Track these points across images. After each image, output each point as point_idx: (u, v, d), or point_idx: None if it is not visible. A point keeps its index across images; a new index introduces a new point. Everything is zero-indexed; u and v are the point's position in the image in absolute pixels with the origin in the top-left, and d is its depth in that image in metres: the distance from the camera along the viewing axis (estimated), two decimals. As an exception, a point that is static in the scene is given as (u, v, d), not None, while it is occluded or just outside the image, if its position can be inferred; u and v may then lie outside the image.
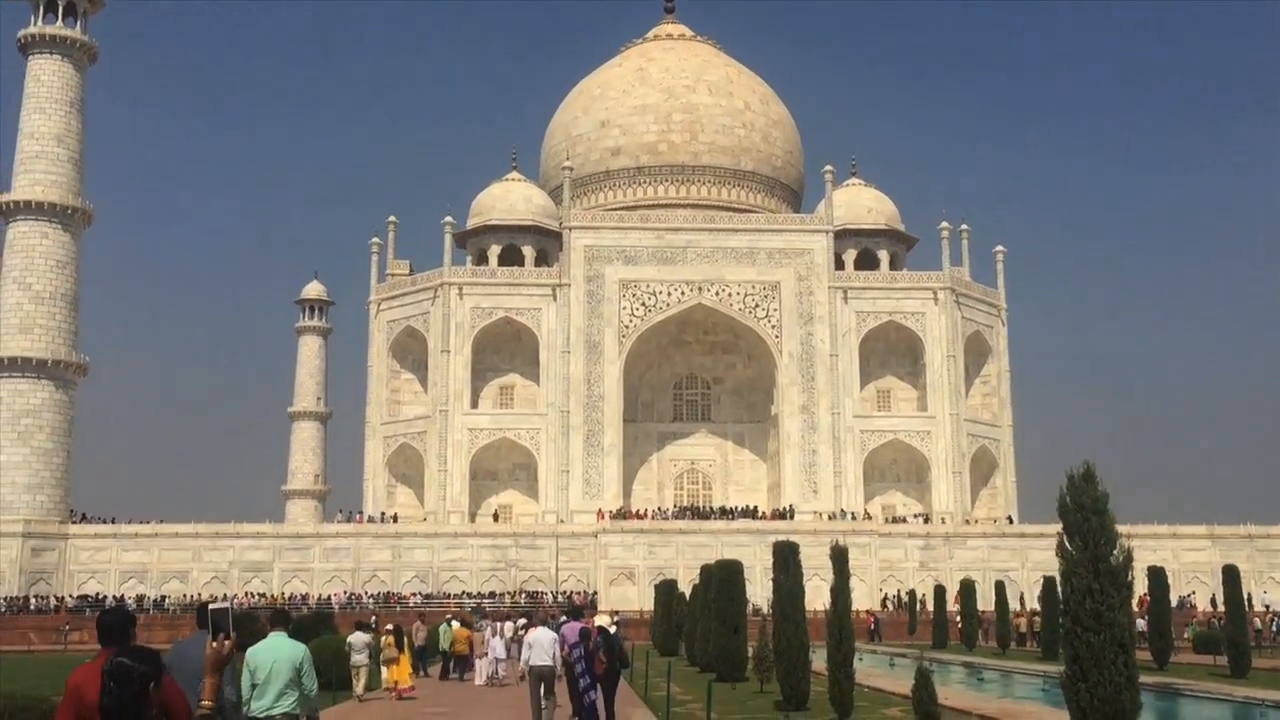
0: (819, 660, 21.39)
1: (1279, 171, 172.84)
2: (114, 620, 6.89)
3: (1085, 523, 9.47)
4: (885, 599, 68.40)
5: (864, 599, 61.70)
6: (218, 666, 6.48)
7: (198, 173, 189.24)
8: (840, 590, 16.57)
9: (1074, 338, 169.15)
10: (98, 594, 65.96)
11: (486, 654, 27.45)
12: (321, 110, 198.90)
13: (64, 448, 69.33)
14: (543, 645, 18.14)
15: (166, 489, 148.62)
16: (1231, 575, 30.91)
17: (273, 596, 65.84)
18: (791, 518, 73.82)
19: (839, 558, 16.81)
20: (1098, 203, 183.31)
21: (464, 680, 30.39)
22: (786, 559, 20.37)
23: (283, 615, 10.88)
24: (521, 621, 30.49)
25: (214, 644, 6.49)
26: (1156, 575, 34.31)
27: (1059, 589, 9.68)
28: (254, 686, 9.81)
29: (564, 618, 20.78)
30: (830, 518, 74.61)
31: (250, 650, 9.96)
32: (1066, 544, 9.66)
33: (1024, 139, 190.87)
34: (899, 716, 19.72)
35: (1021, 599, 63.09)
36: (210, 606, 6.84)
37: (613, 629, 18.43)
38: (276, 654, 9.90)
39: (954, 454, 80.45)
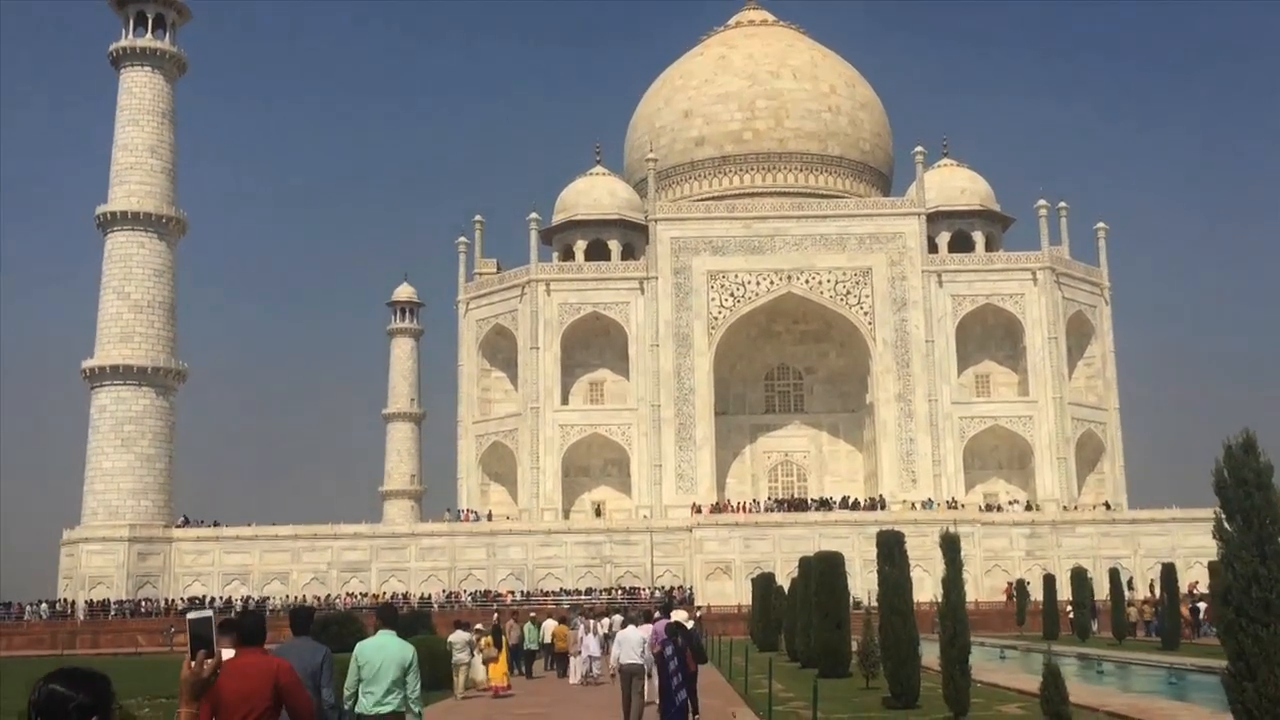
0: (926, 654, 20.32)
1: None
2: (254, 623, 7.70)
3: (1247, 499, 8.32)
4: (1011, 588, 65.46)
5: (970, 590, 59.72)
6: (195, 692, 4.92)
7: (286, 177, 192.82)
8: (953, 580, 15.46)
9: (1182, 315, 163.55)
10: (204, 596, 67.11)
11: (580, 652, 26.80)
12: (405, 110, 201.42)
13: (166, 453, 70.72)
14: (631, 643, 17.74)
15: (267, 492, 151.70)
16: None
17: (373, 596, 66.31)
18: (883, 508, 72.17)
19: (950, 546, 15.70)
20: (1203, 174, 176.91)
21: (561, 678, 29.94)
22: (891, 549, 19.27)
23: (390, 611, 10.75)
24: (618, 618, 29.79)
25: (191, 663, 4.93)
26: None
27: (1223, 574, 8.54)
28: (360, 682, 9.80)
29: (657, 614, 20.17)
30: (920, 506, 72.49)
31: (359, 646, 10.01)
32: (1225, 524, 8.51)
33: (1122, 111, 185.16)
34: (1019, 714, 18.50)
35: (1150, 586, 60.72)
36: (189, 615, 5.22)
37: (689, 624, 17.87)
38: (385, 652, 9.83)
39: (1058, 439, 77.89)
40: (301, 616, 9.69)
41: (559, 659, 31.25)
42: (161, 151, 72.91)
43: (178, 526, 70.76)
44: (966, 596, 51.25)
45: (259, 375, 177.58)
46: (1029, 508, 74.69)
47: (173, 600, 66.57)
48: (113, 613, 65.05)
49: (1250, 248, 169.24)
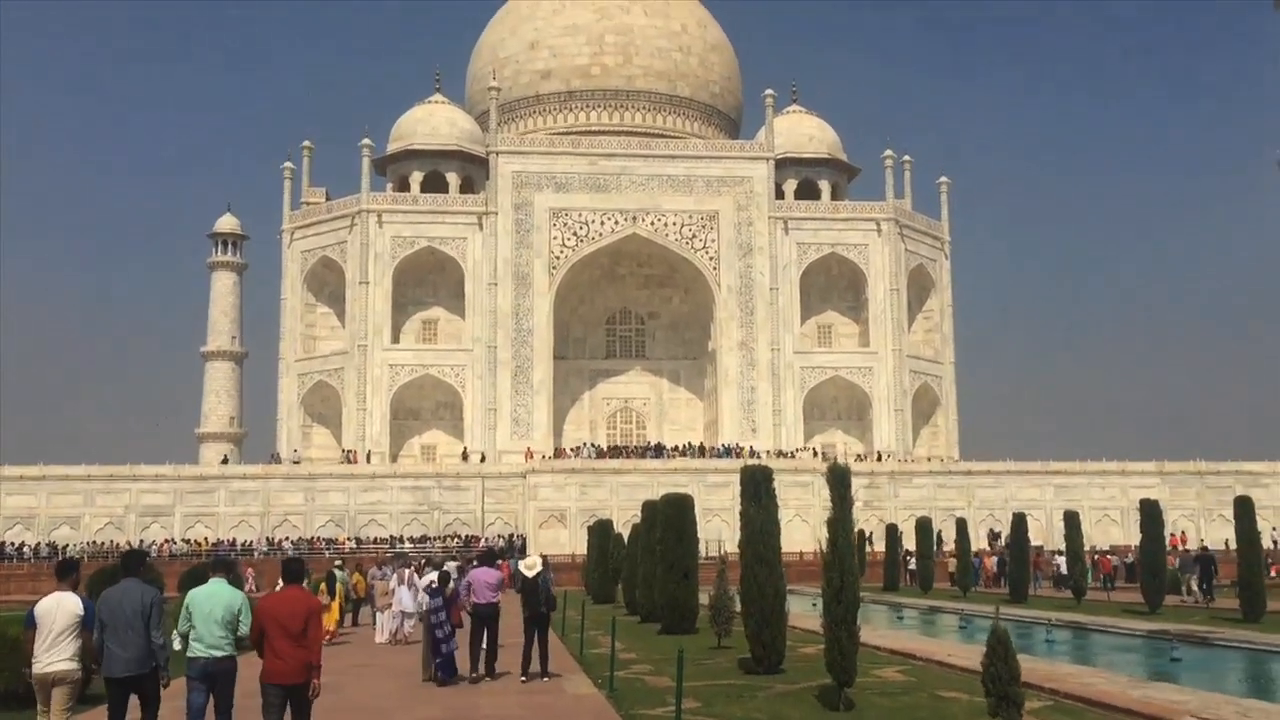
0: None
1: (1221, 99, 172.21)
2: (298, 566, 10.67)
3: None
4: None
5: (809, 541, 58.53)
6: None
7: (94, 91, 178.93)
8: (842, 521, 12.70)
9: (1020, 272, 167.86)
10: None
11: (390, 606, 23.33)
12: (231, 21, 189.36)
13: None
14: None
15: (71, 436, 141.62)
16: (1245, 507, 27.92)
17: (197, 542, 61.18)
18: (704, 455, 70.55)
19: (839, 481, 12.92)
20: (1043, 135, 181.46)
21: (355, 627, 27.40)
22: (758, 487, 16.51)
23: (222, 562, 11.18)
24: (452, 566, 26.55)
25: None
26: (1150, 509, 31.44)
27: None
28: (191, 629, 10.14)
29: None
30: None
31: (191, 594, 10.35)
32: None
33: (969, 69, 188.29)
34: (903, 680, 15.98)
35: (994, 537, 60.62)
36: None
37: (530, 573, 17.20)
38: (215, 600, 10.22)
39: (895, 391, 77.69)
40: (133, 560, 10.55)
41: (355, 609, 28.51)
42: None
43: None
44: (807, 547, 48.78)
45: (62, 311, 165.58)
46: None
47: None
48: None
49: (1090, 207, 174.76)
